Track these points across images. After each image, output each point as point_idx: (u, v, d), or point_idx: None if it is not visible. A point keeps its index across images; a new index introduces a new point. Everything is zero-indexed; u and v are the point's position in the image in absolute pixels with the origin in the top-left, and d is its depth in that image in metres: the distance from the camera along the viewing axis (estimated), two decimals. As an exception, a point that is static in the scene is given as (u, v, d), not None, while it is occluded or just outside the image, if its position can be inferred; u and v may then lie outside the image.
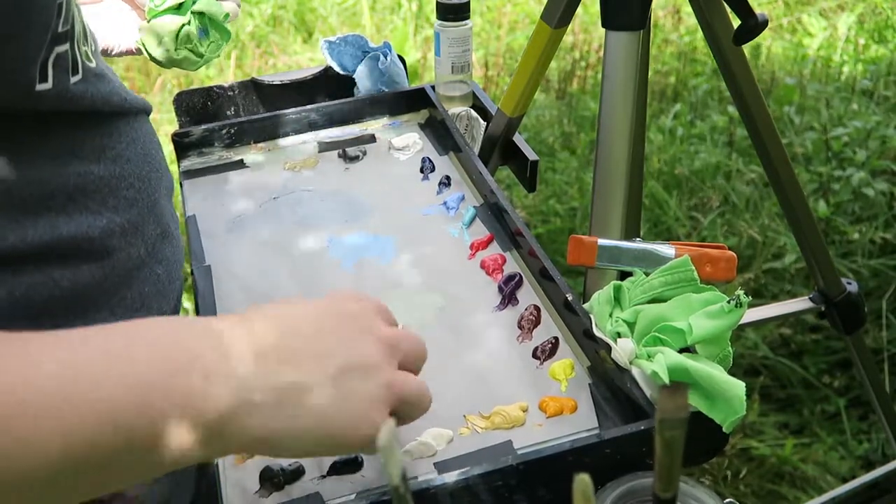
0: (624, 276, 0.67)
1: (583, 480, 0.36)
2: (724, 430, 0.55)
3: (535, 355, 0.66)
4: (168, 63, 0.82)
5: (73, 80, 0.57)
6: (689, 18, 3.06)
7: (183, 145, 0.91)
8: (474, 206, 0.82)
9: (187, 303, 2.01)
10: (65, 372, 0.39)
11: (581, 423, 0.60)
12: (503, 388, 0.63)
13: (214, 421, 0.42)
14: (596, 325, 0.62)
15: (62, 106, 0.57)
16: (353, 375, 0.46)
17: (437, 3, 0.97)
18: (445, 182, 0.86)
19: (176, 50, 0.81)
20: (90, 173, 0.59)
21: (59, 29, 0.54)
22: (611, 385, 0.61)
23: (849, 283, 1.30)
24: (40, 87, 0.54)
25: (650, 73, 1.28)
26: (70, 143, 0.59)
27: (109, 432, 0.39)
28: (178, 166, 0.91)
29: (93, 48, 0.63)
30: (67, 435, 0.38)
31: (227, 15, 0.84)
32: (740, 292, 0.58)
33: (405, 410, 0.49)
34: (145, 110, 0.69)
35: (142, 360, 0.41)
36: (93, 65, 0.61)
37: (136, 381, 0.40)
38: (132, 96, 0.67)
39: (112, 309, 0.61)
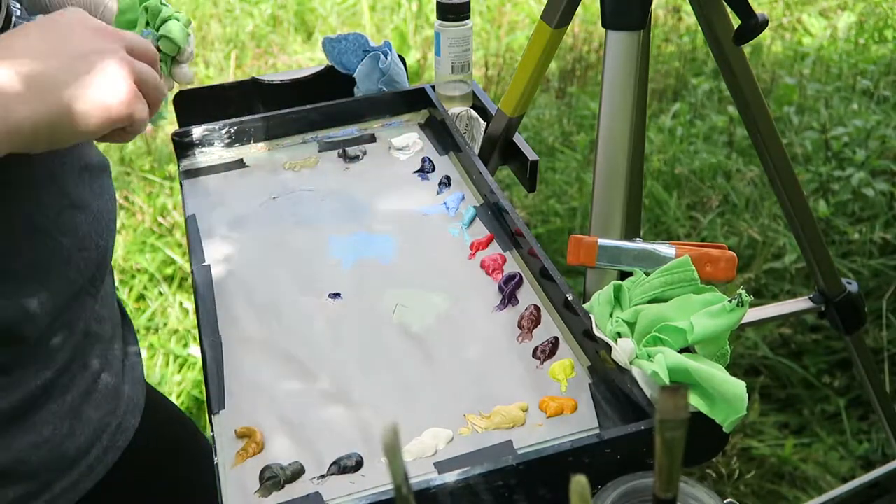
0: (624, 276, 0.67)
1: (579, 482, 0.36)
2: (724, 430, 0.55)
3: (535, 355, 0.66)
4: None
5: None
6: (689, 18, 3.06)
7: (183, 145, 0.91)
8: (474, 206, 0.82)
9: (188, 303, 2.01)
10: None
11: (581, 423, 0.60)
12: (503, 388, 0.63)
13: None
14: (596, 325, 0.62)
15: None
16: (94, 53, 0.55)
17: (437, 3, 0.97)
18: (445, 182, 0.86)
19: None
20: None
21: None
22: (611, 385, 0.61)
23: (849, 283, 1.30)
24: None
25: (650, 73, 1.28)
26: None
27: None
28: (178, 166, 0.91)
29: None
30: None
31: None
32: (742, 291, 0.58)
33: (143, 79, 0.58)
34: None
35: None
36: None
37: None
38: None
39: (2, 272, 0.61)
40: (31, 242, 0.63)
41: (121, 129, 0.58)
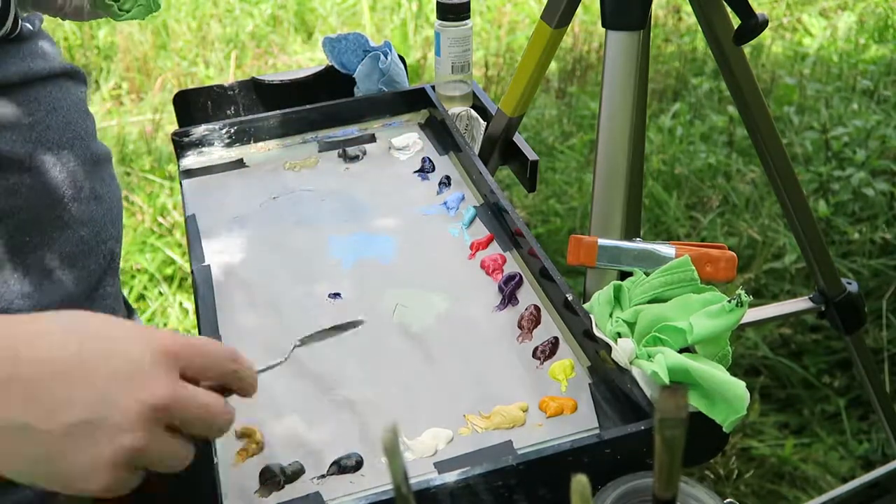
0: (624, 276, 0.67)
1: (580, 482, 0.36)
2: (724, 430, 0.55)
3: (535, 355, 0.66)
4: (93, 6, 0.79)
5: None
6: (689, 18, 3.06)
7: (183, 145, 0.91)
8: (474, 206, 0.82)
9: (187, 303, 2.01)
10: None
11: (581, 423, 0.60)
12: (503, 388, 0.63)
13: None
14: (596, 325, 0.62)
15: None
16: (87, 432, 0.43)
17: (437, 3, 0.97)
18: (445, 182, 0.86)
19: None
20: (2, 138, 0.61)
21: None
22: (611, 385, 0.61)
23: (849, 283, 1.30)
24: None
25: (650, 73, 1.28)
26: None
27: None
28: (178, 166, 0.91)
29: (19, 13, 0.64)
30: None
31: None
32: (741, 292, 0.58)
33: (157, 468, 0.47)
34: (69, 75, 0.70)
35: None
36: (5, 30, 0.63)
37: None
38: (54, 63, 0.68)
39: (28, 268, 0.63)
40: (57, 236, 0.65)
41: None
